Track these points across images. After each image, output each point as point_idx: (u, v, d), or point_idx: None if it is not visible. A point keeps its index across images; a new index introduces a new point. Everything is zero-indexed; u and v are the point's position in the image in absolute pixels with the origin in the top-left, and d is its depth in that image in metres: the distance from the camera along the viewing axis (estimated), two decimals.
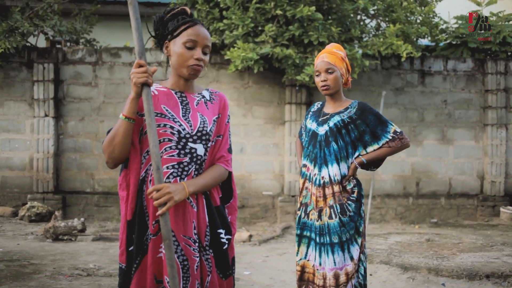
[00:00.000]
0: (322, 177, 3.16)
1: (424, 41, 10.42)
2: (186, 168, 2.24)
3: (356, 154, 3.21)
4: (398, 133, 3.20)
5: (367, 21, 9.28)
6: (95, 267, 5.46)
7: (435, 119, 9.34)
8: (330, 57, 3.20)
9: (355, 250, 3.11)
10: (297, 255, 3.29)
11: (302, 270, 3.24)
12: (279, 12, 7.69)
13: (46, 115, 8.67)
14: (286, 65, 7.84)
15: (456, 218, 9.25)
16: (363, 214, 3.18)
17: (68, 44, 9.72)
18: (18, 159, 8.81)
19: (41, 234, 7.11)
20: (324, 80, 3.19)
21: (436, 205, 9.26)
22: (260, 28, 7.93)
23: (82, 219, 7.24)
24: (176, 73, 2.30)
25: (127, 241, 2.23)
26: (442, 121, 9.35)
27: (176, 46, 2.25)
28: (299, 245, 3.27)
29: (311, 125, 3.30)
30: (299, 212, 3.29)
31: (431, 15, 9.42)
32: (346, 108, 3.23)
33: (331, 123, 3.20)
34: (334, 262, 3.08)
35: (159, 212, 2.09)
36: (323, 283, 3.09)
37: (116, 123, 2.18)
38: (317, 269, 3.14)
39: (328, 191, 3.14)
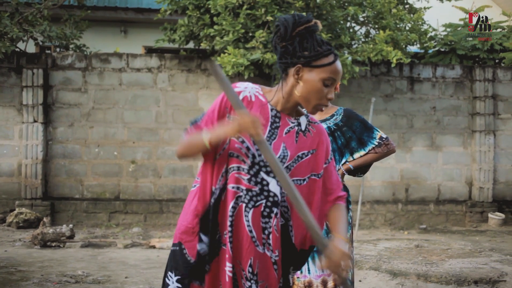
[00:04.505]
0: None
1: (413, 48, 10.50)
2: (254, 199, 2.00)
3: (343, 160, 3.23)
4: (384, 139, 3.22)
5: (357, 28, 9.33)
6: (84, 274, 5.42)
7: (424, 126, 9.40)
8: None
9: None
10: None
11: None
12: (269, 18, 7.71)
13: (35, 121, 8.61)
14: (276, 71, 7.85)
15: (445, 224, 9.30)
16: (350, 220, 3.19)
17: (58, 49, 9.68)
18: (6, 165, 8.73)
19: (29, 240, 7.05)
20: None
21: (425, 211, 9.30)
22: (250, 34, 7.95)
23: (70, 225, 7.20)
24: (295, 99, 2.03)
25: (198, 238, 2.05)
26: (431, 128, 9.41)
27: (314, 77, 1.97)
28: None
29: None
30: None
31: (420, 23, 9.49)
32: (332, 115, 3.24)
33: (318, 122, 3.21)
34: (322, 269, 3.09)
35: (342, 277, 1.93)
36: None
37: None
38: (298, 277, 3.14)
39: None
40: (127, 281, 5.27)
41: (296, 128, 2.08)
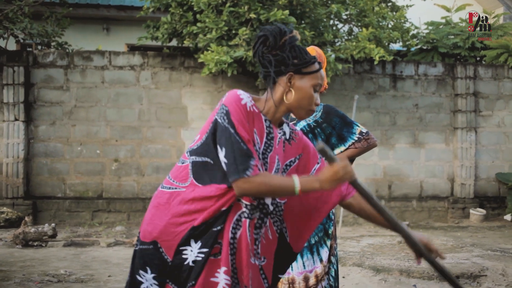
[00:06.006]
0: None
1: (396, 46, 10.57)
2: (251, 212, 2.03)
3: None
4: (364, 134, 3.21)
5: (340, 25, 9.36)
6: (66, 273, 5.38)
7: (406, 123, 9.47)
8: None
9: (324, 252, 3.12)
10: None
11: None
12: (252, 15, 7.71)
13: (16, 119, 8.51)
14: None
15: (427, 220, 9.38)
16: (332, 217, 3.19)
17: (39, 47, 9.56)
18: None
19: (10, 240, 6.97)
20: None
21: (408, 208, 9.38)
22: (233, 32, 7.94)
23: (53, 224, 7.13)
24: (286, 107, 2.06)
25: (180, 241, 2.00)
26: (413, 125, 9.49)
27: (306, 84, 2.03)
28: None
29: None
30: None
31: (403, 20, 9.57)
32: None
33: (298, 128, 3.22)
34: (304, 265, 3.09)
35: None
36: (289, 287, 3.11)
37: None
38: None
39: None
40: (110, 279, 5.24)
41: (283, 137, 2.12)
